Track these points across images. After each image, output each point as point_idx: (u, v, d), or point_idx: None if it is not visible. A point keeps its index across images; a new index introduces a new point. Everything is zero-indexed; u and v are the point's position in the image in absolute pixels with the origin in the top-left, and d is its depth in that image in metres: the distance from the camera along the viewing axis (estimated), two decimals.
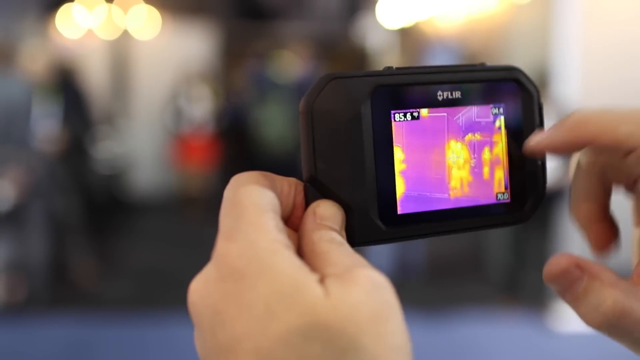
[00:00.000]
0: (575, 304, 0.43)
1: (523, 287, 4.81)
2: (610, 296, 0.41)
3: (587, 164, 0.46)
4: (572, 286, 0.42)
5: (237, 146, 8.47)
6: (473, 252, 5.74)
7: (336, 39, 9.85)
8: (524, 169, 0.47)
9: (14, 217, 4.56)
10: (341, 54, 9.74)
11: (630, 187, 0.46)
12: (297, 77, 7.36)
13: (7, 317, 4.36)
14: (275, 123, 7.00)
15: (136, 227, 7.04)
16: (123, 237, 6.50)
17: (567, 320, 4.29)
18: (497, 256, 5.15)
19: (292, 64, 7.70)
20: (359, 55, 9.45)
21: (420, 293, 4.77)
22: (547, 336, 4.29)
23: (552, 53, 4.91)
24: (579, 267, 0.42)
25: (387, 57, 8.22)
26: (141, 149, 8.01)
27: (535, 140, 0.44)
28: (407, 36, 8.43)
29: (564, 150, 0.43)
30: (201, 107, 7.48)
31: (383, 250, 4.94)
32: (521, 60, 5.66)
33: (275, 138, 7.00)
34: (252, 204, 0.38)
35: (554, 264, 0.42)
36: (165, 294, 4.89)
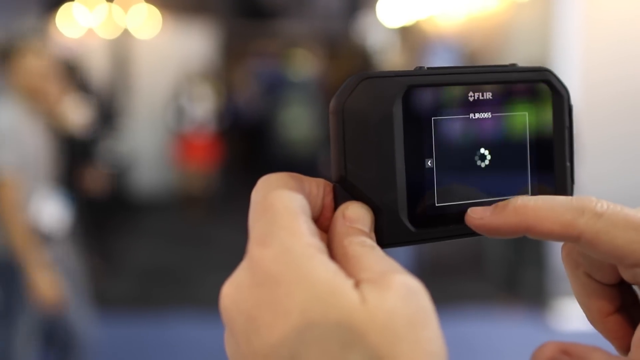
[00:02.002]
0: None
1: (523, 285, 4.82)
2: None
3: (563, 258, 0.45)
4: None
5: (239, 145, 8.47)
6: (473, 251, 5.74)
7: (337, 37, 9.84)
8: (553, 170, 0.47)
9: None
10: (342, 53, 9.73)
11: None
12: (313, 76, 7.34)
13: None
14: (298, 122, 6.99)
15: (137, 226, 7.03)
16: (124, 236, 6.49)
17: (567, 318, 4.30)
18: (497, 254, 5.15)
19: (306, 62, 7.70)
20: (360, 54, 9.43)
21: None
22: (547, 334, 4.29)
23: (553, 52, 4.91)
24: (566, 352, 0.40)
25: (387, 56, 8.22)
26: (143, 148, 8.00)
27: (474, 218, 0.43)
28: (408, 35, 8.42)
29: (501, 235, 0.42)
30: (202, 106, 7.47)
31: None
32: (521, 59, 5.64)
33: (297, 138, 6.98)
34: (284, 207, 0.38)
35: (539, 355, 0.40)
36: (167, 293, 4.88)
